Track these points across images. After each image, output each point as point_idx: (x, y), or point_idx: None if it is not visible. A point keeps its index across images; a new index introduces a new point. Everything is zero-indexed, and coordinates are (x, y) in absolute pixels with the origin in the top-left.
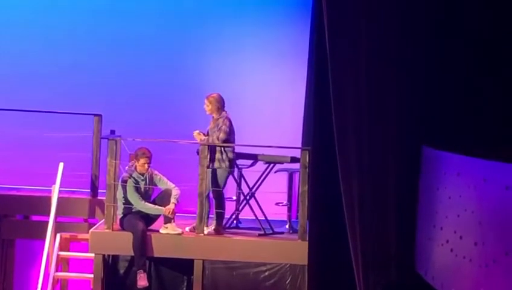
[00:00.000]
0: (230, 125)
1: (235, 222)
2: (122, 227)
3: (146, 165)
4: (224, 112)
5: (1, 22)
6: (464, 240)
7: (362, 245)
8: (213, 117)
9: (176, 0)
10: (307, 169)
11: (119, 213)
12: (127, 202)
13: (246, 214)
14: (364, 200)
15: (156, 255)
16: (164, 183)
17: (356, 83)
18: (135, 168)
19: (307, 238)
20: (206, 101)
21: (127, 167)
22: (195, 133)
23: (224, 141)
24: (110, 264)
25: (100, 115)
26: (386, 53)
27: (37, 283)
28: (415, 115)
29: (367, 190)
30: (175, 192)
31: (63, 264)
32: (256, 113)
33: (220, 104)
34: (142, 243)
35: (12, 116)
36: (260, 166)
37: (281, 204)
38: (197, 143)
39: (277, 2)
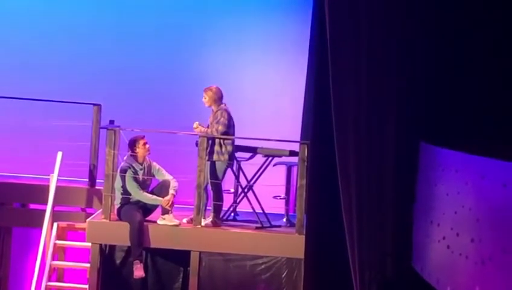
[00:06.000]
0: (229, 118)
1: (232, 214)
2: (120, 217)
3: (147, 146)
4: (222, 105)
5: (2, 12)
6: (461, 236)
7: (359, 241)
8: (213, 110)
9: None
10: (306, 163)
11: (117, 203)
12: (125, 192)
13: (243, 207)
14: (361, 195)
15: (152, 246)
16: (162, 174)
17: (356, 78)
18: (134, 157)
19: (304, 232)
20: (203, 93)
21: (125, 157)
22: (195, 124)
23: (223, 134)
24: (106, 254)
25: (99, 105)
26: (387, 49)
27: (34, 271)
28: (414, 111)
29: (365, 185)
30: (173, 183)
31: (59, 253)
32: (255, 107)
33: (218, 97)
34: (139, 234)
35: (12, 105)
36: (259, 159)
37: (278, 197)
38: (196, 135)
39: None
